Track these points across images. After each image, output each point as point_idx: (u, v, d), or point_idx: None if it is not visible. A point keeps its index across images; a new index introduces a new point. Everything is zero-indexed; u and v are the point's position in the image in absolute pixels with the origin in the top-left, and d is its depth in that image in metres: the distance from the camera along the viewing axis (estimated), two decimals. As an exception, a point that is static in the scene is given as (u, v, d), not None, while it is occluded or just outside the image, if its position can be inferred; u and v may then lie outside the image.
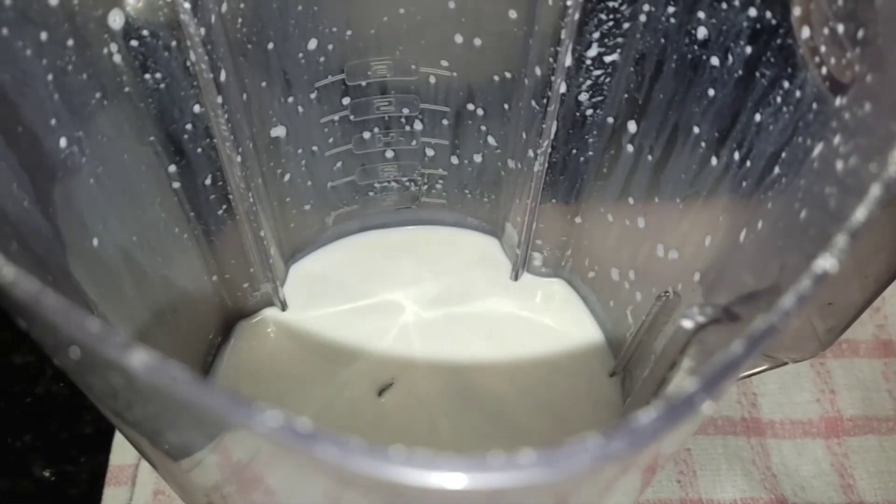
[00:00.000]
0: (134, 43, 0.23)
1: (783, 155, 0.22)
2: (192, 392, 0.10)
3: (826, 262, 0.11)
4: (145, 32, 0.23)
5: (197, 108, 0.26)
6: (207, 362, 0.35)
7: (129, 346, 0.10)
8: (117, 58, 0.23)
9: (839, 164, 0.17)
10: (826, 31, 0.19)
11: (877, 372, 0.40)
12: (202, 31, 0.24)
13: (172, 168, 0.27)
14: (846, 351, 0.40)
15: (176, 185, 0.28)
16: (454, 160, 0.35)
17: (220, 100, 0.26)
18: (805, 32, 0.20)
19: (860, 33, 0.18)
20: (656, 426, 0.10)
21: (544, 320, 0.37)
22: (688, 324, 0.18)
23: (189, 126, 0.26)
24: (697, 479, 0.36)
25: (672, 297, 0.29)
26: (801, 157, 0.20)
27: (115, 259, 0.25)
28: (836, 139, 0.18)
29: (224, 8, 0.25)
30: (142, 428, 0.15)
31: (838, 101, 0.19)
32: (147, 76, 0.24)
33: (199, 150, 0.27)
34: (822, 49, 0.20)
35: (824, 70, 0.20)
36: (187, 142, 0.27)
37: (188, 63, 0.25)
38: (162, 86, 0.25)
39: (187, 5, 0.23)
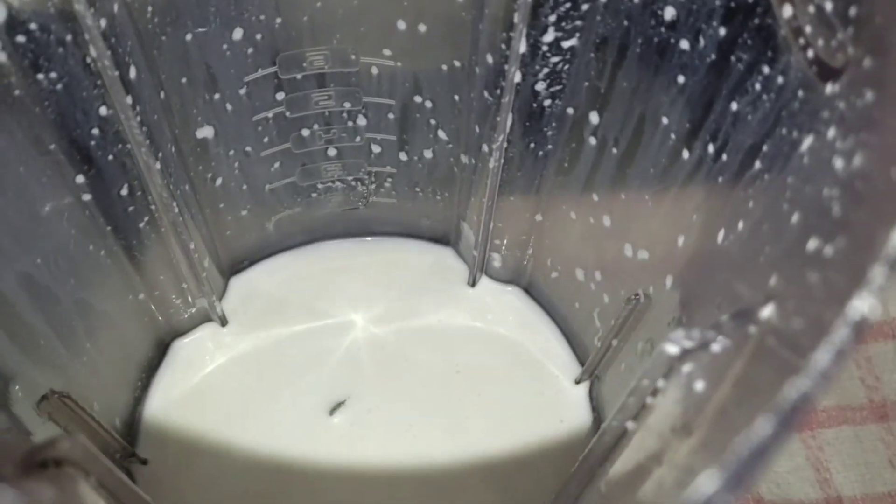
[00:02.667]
0: (21, 39, 0.20)
1: (764, 148, 0.19)
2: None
3: (864, 304, 0.09)
4: (33, 26, 0.20)
5: (104, 111, 0.23)
6: (139, 387, 0.32)
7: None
8: (2, 56, 0.20)
9: (838, 162, 0.15)
10: (811, 8, 0.17)
11: (849, 360, 0.38)
12: (102, 22, 0.21)
13: (80, 179, 0.24)
14: (818, 340, 0.39)
15: (86, 197, 0.24)
16: (403, 157, 0.32)
17: (129, 100, 0.23)
18: (787, 11, 0.18)
19: (852, 10, 0.16)
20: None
21: (501, 330, 0.34)
22: (672, 349, 0.16)
23: (96, 131, 0.23)
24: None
25: (643, 301, 0.27)
26: (786, 152, 0.18)
27: (14, 288, 0.22)
28: (831, 132, 0.16)
29: (130, -5, 0.22)
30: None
31: (829, 89, 0.17)
32: (40, 76, 0.21)
33: (111, 157, 0.24)
34: (808, 29, 0.17)
35: (811, 53, 0.17)
36: (95, 149, 0.24)
37: (88, 59, 0.21)
38: (59, 86, 0.21)
39: (81, -7, 0.20)
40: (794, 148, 0.18)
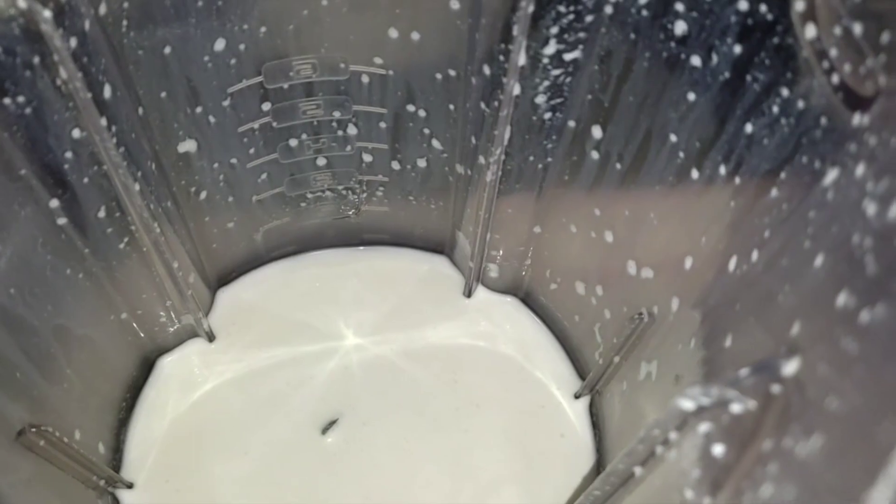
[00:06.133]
0: (-16, 61, 0.18)
1: (782, 175, 0.18)
2: None
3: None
4: (-3, 48, 0.18)
5: (77, 133, 0.21)
6: (123, 408, 0.30)
7: None
8: (-36, 80, 0.18)
9: (870, 207, 0.14)
10: (838, 30, 0.16)
11: None
12: (72, 41, 0.19)
13: (55, 203, 0.23)
14: None
15: (62, 221, 0.23)
16: (395, 165, 0.31)
17: (104, 121, 0.21)
18: (810, 31, 0.17)
19: (884, 36, 0.15)
20: None
21: (499, 342, 0.33)
22: (687, 405, 0.15)
23: (69, 154, 0.22)
24: None
25: (647, 320, 0.26)
26: (807, 182, 0.17)
27: (-14, 322, 0.21)
28: (860, 169, 0.15)
29: (102, 10, 0.21)
30: None
31: (857, 120, 0.16)
32: (7, 101, 0.19)
33: (86, 179, 0.23)
34: (833, 53, 0.16)
35: (836, 78, 0.16)
36: (69, 172, 0.22)
37: (59, 81, 0.20)
38: (28, 111, 0.20)
39: (47, 14, 0.18)
40: (816, 179, 0.17)
